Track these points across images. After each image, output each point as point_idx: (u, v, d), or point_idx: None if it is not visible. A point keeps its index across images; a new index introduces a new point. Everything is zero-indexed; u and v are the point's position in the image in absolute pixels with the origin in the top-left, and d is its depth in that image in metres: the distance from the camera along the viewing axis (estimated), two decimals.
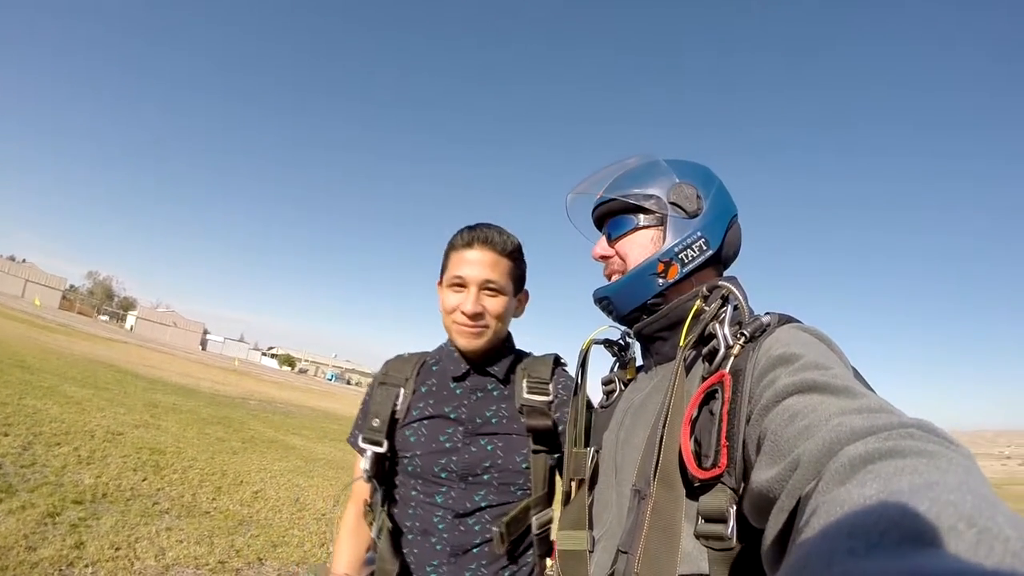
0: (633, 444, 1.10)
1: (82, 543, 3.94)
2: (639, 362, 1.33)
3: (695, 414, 0.92)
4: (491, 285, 1.50)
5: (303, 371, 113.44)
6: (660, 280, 1.15)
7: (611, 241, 1.24)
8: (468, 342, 1.51)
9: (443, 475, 1.49)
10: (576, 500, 1.20)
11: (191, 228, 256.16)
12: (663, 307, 1.15)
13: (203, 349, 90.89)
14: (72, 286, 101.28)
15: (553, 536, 1.52)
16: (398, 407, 1.58)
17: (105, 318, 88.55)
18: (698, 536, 0.86)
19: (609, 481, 1.15)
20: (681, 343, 1.04)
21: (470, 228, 1.55)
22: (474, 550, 1.46)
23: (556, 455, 1.55)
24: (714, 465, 0.85)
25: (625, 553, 0.96)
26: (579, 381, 1.34)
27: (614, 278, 1.22)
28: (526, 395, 1.54)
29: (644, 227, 1.20)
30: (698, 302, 1.08)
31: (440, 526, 1.47)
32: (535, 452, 1.50)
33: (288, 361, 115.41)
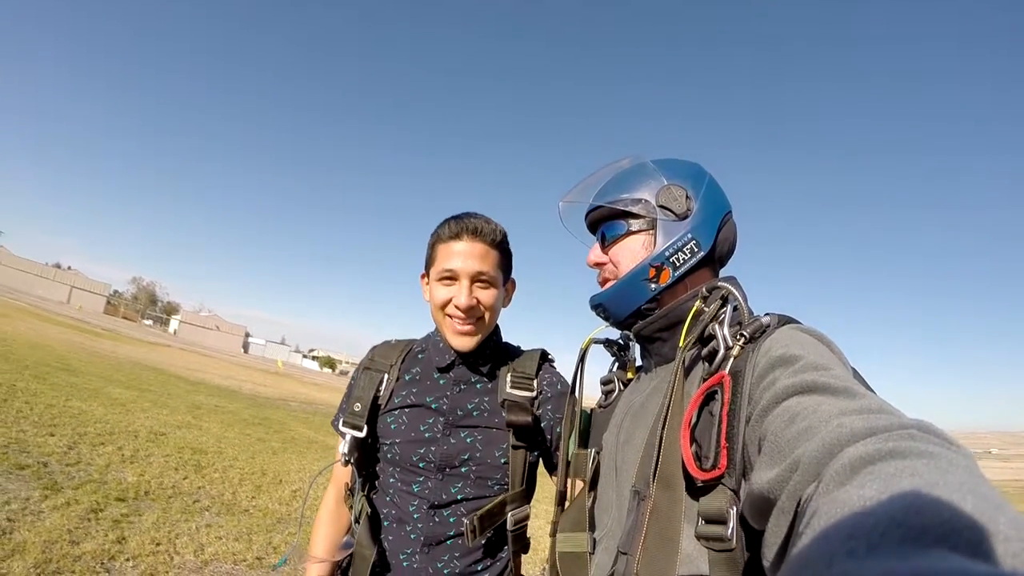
0: (633, 445, 1.10)
1: (124, 538, 4.08)
2: (639, 362, 1.32)
3: (695, 415, 0.92)
4: (483, 277, 1.48)
5: (344, 373, 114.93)
6: (652, 285, 1.15)
7: (604, 247, 1.24)
8: (461, 342, 1.49)
9: (421, 464, 1.49)
10: (576, 501, 1.21)
11: (233, 233, 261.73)
12: (659, 310, 1.15)
13: (245, 352, 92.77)
14: (116, 291, 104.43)
15: (529, 533, 1.55)
16: (381, 393, 1.57)
17: (149, 322, 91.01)
18: (699, 537, 0.87)
19: (610, 482, 1.15)
20: (681, 344, 1.04)
21: (456, 218, 1.52)
22: (447, 542, 1.46)
23: (536, 452, 1.56)
24: (714, 466, 0.85)
25: (625, 554, 0.96)
26: (577, 380, 1.35)
27: (608, 284, 1.22)
28: (509, 389, 1.53)
29: (635, 232, 1.19)
30: (697, 303, 1.07)
31: (415, 515, 1.47)
32: (515, 447, 1.50)
33: (329, 363, 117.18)
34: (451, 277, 1.47)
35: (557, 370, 1.67)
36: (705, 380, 0.95)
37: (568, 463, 1.29)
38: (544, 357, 1.66)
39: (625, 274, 1.17)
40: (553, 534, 1.22)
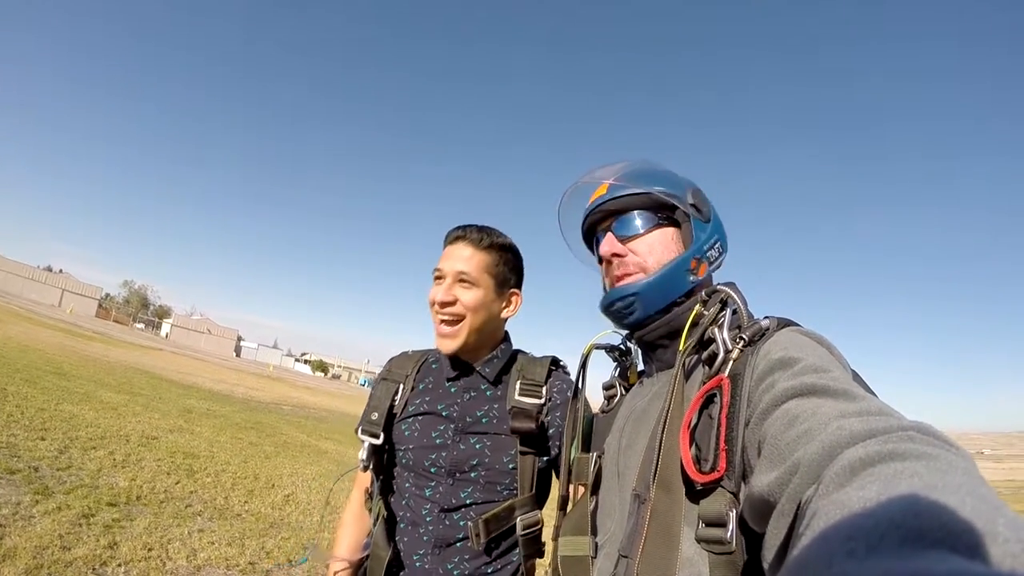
0: (635, 450, 1.11)
1: (115, 543, 4.06)
2: (640, 367, 1.33)
3: (694, 418, 0.92)
4: (465, 277, 1.54)
5: (336, 377, 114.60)
6: (691, 277, 1.14)
7: (623, 239, 1.21)
8: (442, 343, 1.56)
9: (433, 470, 1.54)
10: (579, 505, 1.21)
11: (226, 236, 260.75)
12: (662, 317, 1.16)
13: (237, 356, 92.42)
14: (108, 295, 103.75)
15: (545, 538, 1.55)
16: (396, 402, 1.64)
17: (140, 326, 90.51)
18: (699, 540, 0.87)
19: (612, 486, 1.15)
20: (681, 348, 1.04)
21: (460, 226, 1.62)
22: (457, 544, 1.50)
23: (545, 458, 1.58)
24: (713, 469, 0.85)
25: (626, 557, 0.97)
26: (579, 385, 1.35)
27: (633, 277, 1.17)
28: (518, 397, 1.57)
29: (664, 226, 1.19)
30: (697, 307, 1.08)
31: (428, 518, 1.52)
32: (522, 454, 1.53)
33: (321, 367, 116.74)
34: (439, 276, 1.57)
35: (569, 376, 1.70)
36: (705, 383, 0.95)
37: (570, 467, 1.29)
38: (555, 363, 1.69)
39: (669, 263, 1.15)
40: (555, 538, 1.23)
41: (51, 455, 5.75)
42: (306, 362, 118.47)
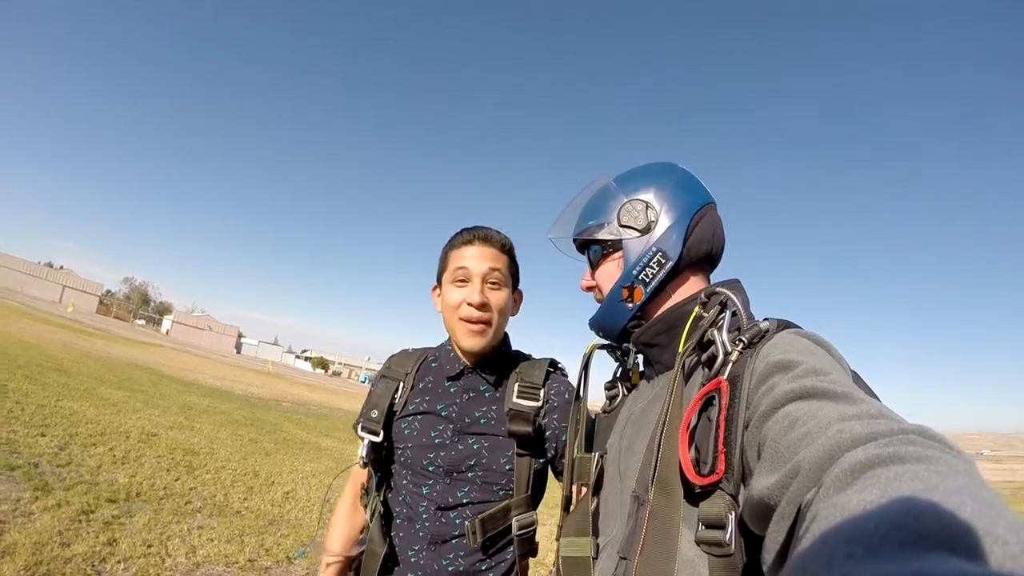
0: (635, 451, 1.11)
1: (115, 540, 4.07)
2: (642, 368, 1.33)
3: (693, 421, 0.92)
4: (494, 277, 1.57)
5: (336, 374, 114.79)
6: (628, 305, 1.18)
7: (592, 270, 1.28)
8: (473, 341, 1.56)
9: (430, 468, 1.56)
10: (580, 506, 1.21)
11: (227, 234, 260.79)
12: (648, 321, 1.18)
13: (238, 352, 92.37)
14: (109, 291, 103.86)
15: (538, 538, 1.60)
16: (396, 400, 1.66)
17: (141, 322, 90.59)
18: (698, 542, 0.87)
19: (614, 487, 1.15)
20: (680, 350, 1.04)
21: (467, 228, 1.64)
22: (452, 541, 1.52)
23: (542, 459, 1.60)
24: (711, 471, 0.85)
25: (625, 559, 0.97)
26: (581, 385, 1.37)
27: (600, 307, 1.25)
28: (515, 399, 1.58)
29: (608, 255, 1.23)
30: (697, 308, 1.07)
31: (424, 515, 1.54)
32: (519, 455, 1.55)
33: (322, 364, 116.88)
34: (464, 278, 1.56)
35: (567, 378, 1.71)
36: (704, 385, 0.95)
37: (573, 467, 1.30)
38: (553, 366, 1.70)
39: (604, 298, 1.22)
40: (558, 538, 1.23)
41: (51, 451, 5.76)
42: (307, 359, 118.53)
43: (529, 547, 1.58)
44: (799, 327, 0.98)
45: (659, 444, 0.95)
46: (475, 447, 1.56)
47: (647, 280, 1.16)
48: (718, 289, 1.07)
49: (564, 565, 1.15)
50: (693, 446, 0.90)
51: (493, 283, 1.58)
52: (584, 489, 1.24)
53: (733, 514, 0.82)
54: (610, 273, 1.22)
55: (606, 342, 1.37)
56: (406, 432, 1.61)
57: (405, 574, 1.53)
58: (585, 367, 1.38)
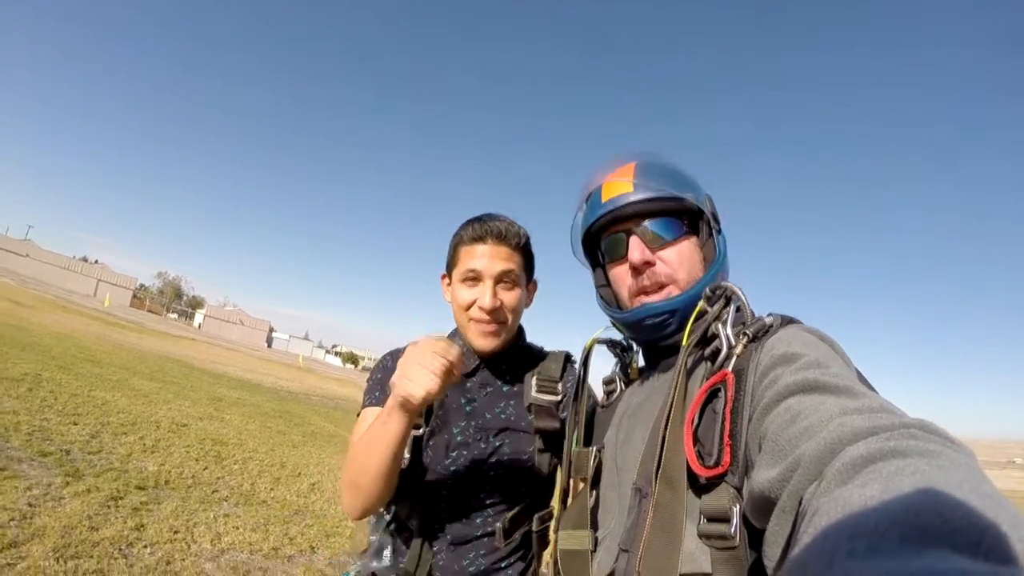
0: (632, 444, 1.10)
1: (142, 525, 4.17)
2: (641, 363, 1.32)
3: (698, 413, 0.92)
4: (507, 278, 1.49)
5: (366, 369, 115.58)
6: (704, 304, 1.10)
7: (651, 246, 1.14)
8: (486, 342, 1.50)
9: (452, 468, 1.49)
10: (578, 499, 1.20)
11: (258, 228, 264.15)
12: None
13: (268, 346, 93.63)
14: (142, 285, 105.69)
15: (551, 534, 1.53)
16: None
17: (174, 316, 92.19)
18: (701, 535, 0.86)
19: (611, 481, 1.15)
20: (684, 343, 1.03)
21: (479, 220, 1.52)
22: (473, 541, 1.48)
23: (561, 454, 1.53)
24: (717, 464, 0.85)
25: (627, 551, 0.96)
26: (581, 380, 1.35)
27: (666, 291, 1.13)
28: (535, 394, 1.54)
29: (688, 236, 1.17)
30: (701, 303, 1.06)
31: (443, 516, 1.49)
32: (541, 451, 1.52)
33: (351, 359, 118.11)
34: (475, 278, 1.48)
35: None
36: (708, 379, 0.95)
37: (571, 461, 1.29)
38: (568, 359, 1.66)
39: (702, 277, 1.13)
40: (555, 530, 1.22)
41: (83, 439, 5.91)
42: (337, 354, 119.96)
43: (545, 543, 1.55)
44: (802, 322, 0.99)
45: (663, 436, 0.94)
46: (498, 444, 1.51)
47: (727, 273, 1.18)
48: (723, 284, 1.07)
49: (562, 558, 1.15)
50: (696, 438, 0.90)
51: (506, 283, 1.49)
52: (582, 482, 1.24)
53: (737, 507, 0.82)
54: (691, 255, 1.15)
55: (605, 337, 1.35)
56: (430, 427, 1.52)
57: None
58: (585, 362, 1.35)
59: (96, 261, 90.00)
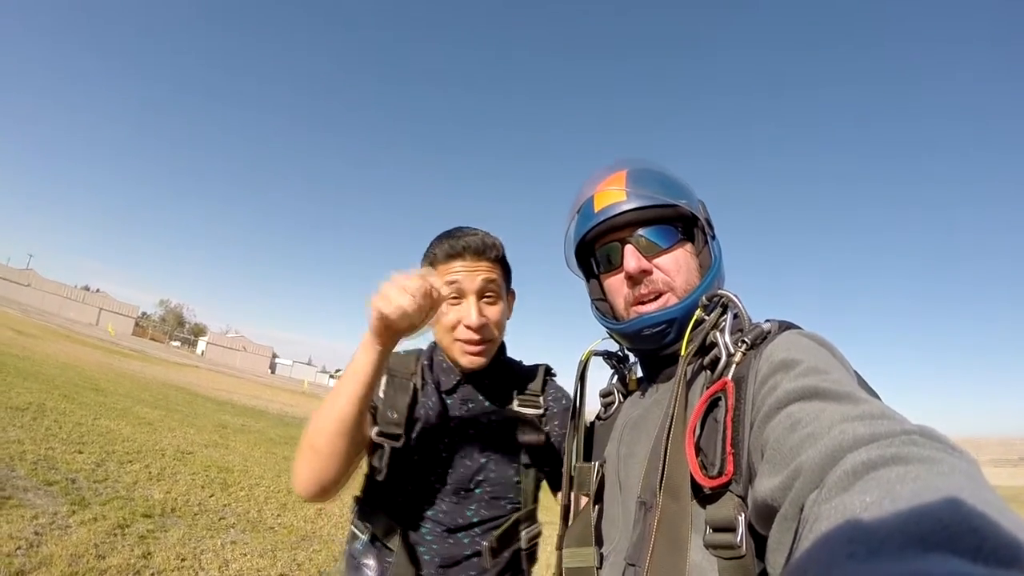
0: (636, 458, 1.10)
1: (149, 553, 4.17)
2: (639, 375, 1.31)
3: (699, 423, 0.92)
4: (489, 292, 1.45)
5: None
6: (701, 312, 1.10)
7: (647, 254, 1.15)
8: (473, 362, 1.46)
9: (437, 485, 1.44)
10: (582, 516, 1.19)
11: (260, 256, 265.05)
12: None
13: (272, 372, 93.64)
14: (144, 313, 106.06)
15: (539, 549, 1.52)
16: (419, 401, 1.50)
17: (177, 343, 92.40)
18: (707, 546, 0.86)
19: (614, 496, 1.14)
20: (682, 353, 1.03)
21: (451, 236, 1.47)
22: (463, 562, 1.41)
23: (547, 468, 1.54)
24: (720, 473, 0.85)
25: (633, 566, 0.96)
26: (579, 393, 1.33)
27: (663, 299, 1.13)
28: (517, 407, 1.53)
29: (683, 243, 1.17)
30: (698, 312, 1.07)
31: (429, 538, 1.41)
32: (526, 466, 1.49)
33: None
34: (456, 296, 1.43)
35: (560, 385, 1.66)
36: (708, 388, 0.95)
37: (572, 477, 1.27)
38: (548, 372, 1.65)
39: (700, 284, 1.13)
40: (559, 548, 1.21)
41: (88, 468, 5.92)
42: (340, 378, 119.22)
43: (534, 559, 1.53)
44: (800, 328, 0.99)
45: (666, 448, 0.94)
46: (483, 460, 1.46)
47: (723, 280, 1.18)
48: (720, 291, 1.07)
49: None
50: (698, 448, 0.90)
51: (489, 298, 1.46)
52: (584, 498, 1.22)
53: (743, 516, 0.82)
54: (686, 265, 1.15)
55: (602, 349, 1.34)
56: (413, 444, 1.45)
57: None
58: (582, 374, 1.34)
59: (98, 290, 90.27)
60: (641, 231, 1.15)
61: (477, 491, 1.45)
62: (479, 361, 1.46)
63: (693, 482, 0.89)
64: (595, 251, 1.23)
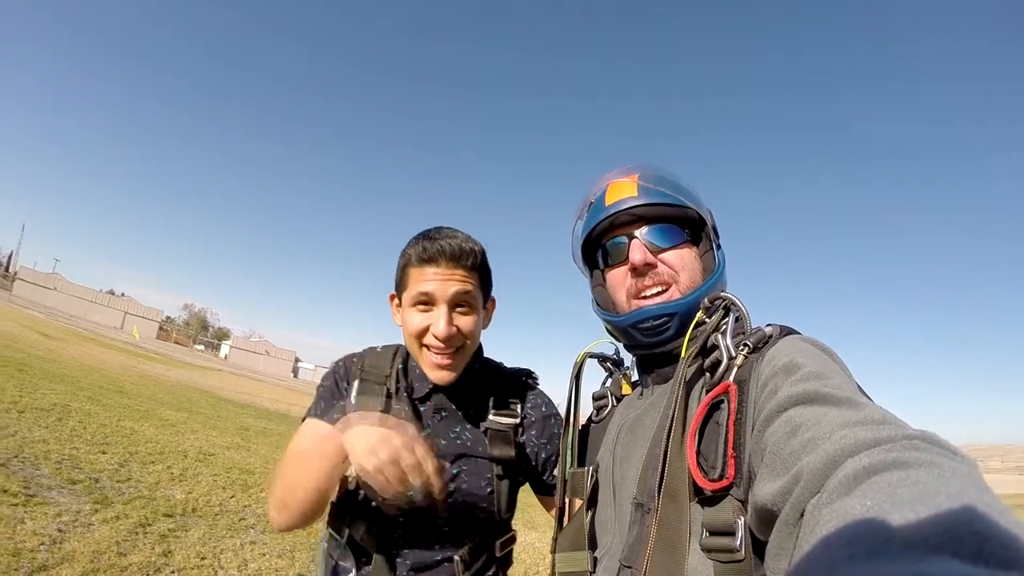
0: (632, 461, 1.10)
1: (170, 552, 4.26)
2: (634, 377, 1.32)
3: (700, 425, 0.92)
4: (463, 302, 1.38)
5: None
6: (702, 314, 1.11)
7: (653, 249, 1.17)
8: (440, 375, 1.40)
9: (409, 493, 1.35)
10: (575, 520, 1.19)
11: (284, 260, 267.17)
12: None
13: (294, 376, 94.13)
14: (169, 317, 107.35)
15: (521, 550, 1.53)
16: (391, 409, 1.43)
17: (200, 347, 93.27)
18: (704, 550, 0.87)
19: (608, 500, 1.15)
20: (683, 355, 1.04)
21: (428, 238, 1.39)
22: (435, 568, 1.39)
23: (520, 479, 1.52)
24: (721, 476, 0.85)
25: (629, 568, 0.97)
26: (574, 396, 1.33)
27: (668, 294, 1.15)
28: (492, 417, 1.48)
29: (688, 243, 1.20)
30: (699, 314, 1.08)
31: (402, 544, 1.39)
32: (499, 477, 1.45)
33: None
34: (427, 302, 1.37)
35: (541, 390, 1.62)
36: (708, 391, 0.96)
37: (566, 481, 1.27)
38: (528, 376, 1.62)
39: (704, 284, 1.16)
40: (553, 552, 1.21)
41: (111, 468, 6.04)
42: None
43: (508, 563, 1.53)
44: (801, 333, 1.00)
45: (666, 450, 0.95)
46: (454, 471, 1.41)
47: (725, 287, 1.19)
48: (722, 294, 1.08)
49: None
50: (698, 452, 0.91)
51: (462, 308, 1.38)
52: (578, 502, 1.22)
53: (742, 520, 0.83)
54: (691, 263, 1.18)
55: (597, 351, 1.35)
56: None
57: None
58: (577, 377, 1.34)
59: (123, 294, 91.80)
60: (649, 227, 1.18)
61: (448, 501, 1.40)
62: (447, 377, 1.40)
63: (693, 484, 0.89)
64: (602, 244, 1.25)
